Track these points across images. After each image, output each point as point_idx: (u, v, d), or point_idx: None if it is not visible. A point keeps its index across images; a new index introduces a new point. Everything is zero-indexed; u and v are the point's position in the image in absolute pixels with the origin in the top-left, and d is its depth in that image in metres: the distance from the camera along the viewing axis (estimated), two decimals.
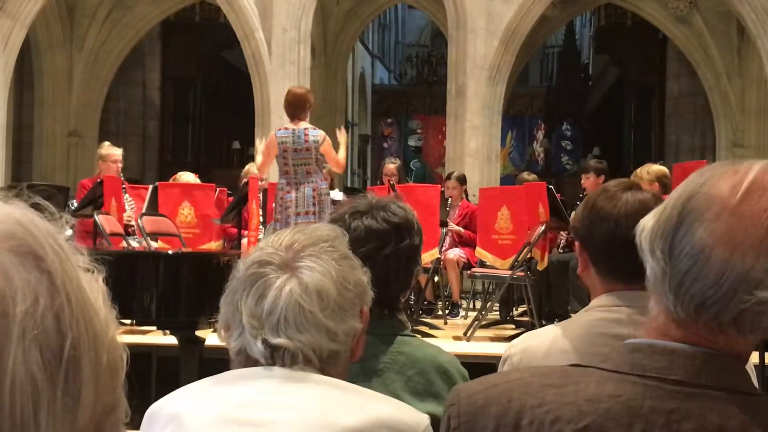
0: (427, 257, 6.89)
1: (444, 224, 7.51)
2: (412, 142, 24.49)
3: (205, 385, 1.39)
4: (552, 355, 1.80)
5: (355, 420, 1.29)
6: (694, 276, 0.93)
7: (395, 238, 1.95)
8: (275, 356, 1.33)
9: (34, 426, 0.52)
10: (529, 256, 6.49)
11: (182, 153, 17.75)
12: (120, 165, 7.77)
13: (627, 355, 0.99)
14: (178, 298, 4.41)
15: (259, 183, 7.36)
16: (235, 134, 17.77)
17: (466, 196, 8.39)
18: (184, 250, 6.29)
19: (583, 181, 7.43)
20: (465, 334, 6.26)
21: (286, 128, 6.64)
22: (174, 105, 17.67)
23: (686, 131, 16.07)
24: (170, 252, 5.54)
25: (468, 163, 11.35)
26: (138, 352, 5.01)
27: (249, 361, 1.36)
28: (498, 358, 1.96)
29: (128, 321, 5.43)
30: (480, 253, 7.41)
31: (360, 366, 1.68)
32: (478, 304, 7.83)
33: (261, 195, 7.54)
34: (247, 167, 8.10)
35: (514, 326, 7.01)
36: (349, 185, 17.36)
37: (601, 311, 1.84)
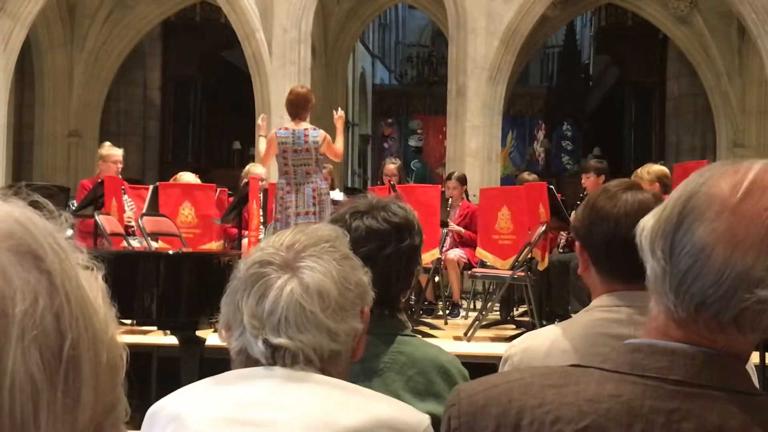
0: (428, 257, 6.89)
1: (444, 224, 7.51)
2: (412, 143, 24.49)
3: (205, 385, 1.39)
4: (552, 355, 1.80)
5: (356, 420, 1.29)
6: (694, 275, 0.93)
7: (396, 238, 1.95)
8: (276, 356, 1.33)
9: (34, 426, 0.52)
10: (529, 256, 6.49)
11: (183, 153, 17.75)
12: (120, 165, 7.77)
13: (627, 355, 0.99)
14: (179, 298, 4.41)
15: (260, 183, 7.36)
16: (235, 134, 17.77)
17: (467, 196, 8.39)
18: (184, 250, 6.29)
19: (583, 181, 7.43)
20: (465, 334, 6.26)
21: (286, 128, 6.64)
22: (174, 105, 17.67)
23: (687, 131, 16.06)
24: (171, 252, 5.55)
25: (468, 163, 11.35)
26: (138, 352, 5.02)
27: (250, 361, 1.36)
28: (498, 358, 1.96)
29: (129, 321, 5.43)
30: (480, 253, 7.41)
31: (360, 366, 1.68)
32: (479, 305, 7.83)
33: (261, 195, 7.55)
34: (247, 167, 8.10)
35: (514, 326, 7.01)
36: (349, 185, 17.36)
37: (602, 311, 1.84)
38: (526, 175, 9.11)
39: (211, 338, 4.49)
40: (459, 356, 2.11)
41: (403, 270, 1.98)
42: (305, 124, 6.60)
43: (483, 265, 7.51)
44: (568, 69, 23.24)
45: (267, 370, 1.34)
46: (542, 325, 4.99)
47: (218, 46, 16.68)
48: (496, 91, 11.81)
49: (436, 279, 7.95)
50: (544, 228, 6.26)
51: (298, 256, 1.35)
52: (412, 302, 7.17)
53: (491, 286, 7.84)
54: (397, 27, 27.35)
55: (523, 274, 6.45)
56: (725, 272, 0.91)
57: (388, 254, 1.93)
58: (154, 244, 6.83)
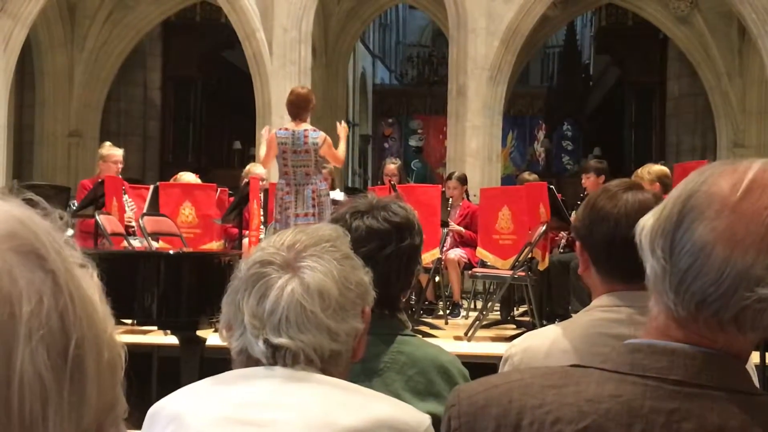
0: (428, 257, 6.89)
1: (445, 224, 7.51)
2: (413, 142, 24.49)
3: (206, 385, 1.39)
4: (553, 355, 1.80)
5: (356, 420, 1.29)
6: (694, 274, 0.93)
7: (396, 238, 1.95)
8: (277, 356, 1.33)
9: (43, 426, 0.52)
10: (530, 256, 6.49)
11: (183, 153, 17.75)
12: (120, 165, 7.77)
13: (627, 355, 0.99)
14: (179, 298, 4.41)
15: (260, 183, 7.36)
16: (235, 134, 17.78)
17: (467, 196, 8.39)
18: (185, 250, 6.29)
19: (583, 181, 7.43)
20: (466, 334, 6.26)
21: (286, 129, 6.64)
22: (175, 105, 17.67)
23: (687, 131, 16.06)
24: (171, 252, 5.55)
25: (469, 163, 11.35)
26: (139, 352, 5.03)
27: (250, 361, 1.36)
28: (499, 358, 1.96)
29: (129, 321, 5.43)
30: (481, 253, 7.41)
31: (361, 366, 1.68)
32: (479, 304, 7.83)
33: (262, 195, 7.55)
34: (248, 167, 8.11)
35: (514, 326, 7.01)
36: (349, 185, 17.36)
37: (602, 311, 1.84)
38: (526, 175, 9.11)
39: (212, 338, 4.49)
40: (459, 356, 2.11)
41: (404, 270, 1.98)
42: (305, 125, 6.60)
43: (483, 265, 7.51)
44: (568, 69, 23.25)
45: (267, 370, 1.34)
46: (542, 325, 5.00)
47: (219, 46, 16.68)
48: (497, 91, 11.81)
49: (437, 279, 7.95)
50: (544, 228, 6.26)
51: (299, 256, 1.36)
52: (413, 302, 7.17)
53: (492, 286, 7.84)
54: (398, 27, 27.35)
55: (523, 274, 6.45)
56: (725, 271, 0.91)
57: (388, 254, 1.93)
58: (155, 244, 6.83)
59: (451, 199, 8.05)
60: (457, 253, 7.78)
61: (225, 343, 1.41)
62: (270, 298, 1.32)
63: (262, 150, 6.93)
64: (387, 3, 17.51)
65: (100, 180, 7.36)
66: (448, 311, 7.73)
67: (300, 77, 11.53)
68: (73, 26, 14.90)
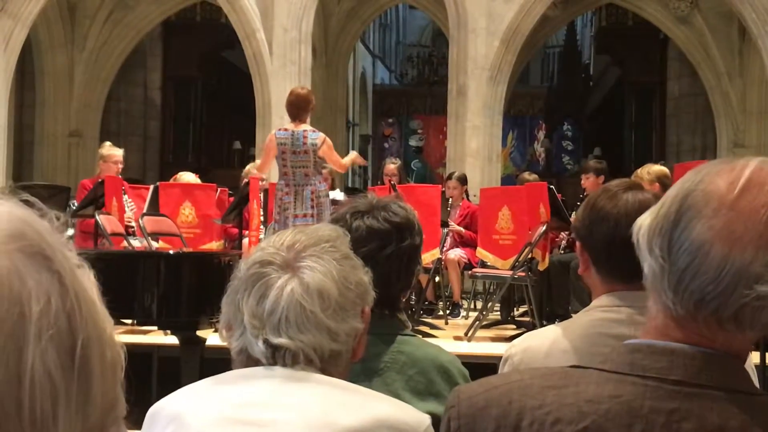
0: (428, 257, 6.89)
1: (445, 224, 7.51)
2: (413, 142, 24.48)
3: (206, 385, 1.39)
4: (553, 355, 1.80)
5: (356, 420, 1.29)
6: (693, 272, 0.93)
7: (396, 238, 1.95)
8: (276, 356, 1.34)
9: (53, 424, 0.53)
10: (530, 256, 6.49)
11: (183, 153, 17.76)
12: (121, 165, 7.77)
13: (626, 355, 0.99)
14: (179, 298, 4.41)
15: (260, 183, 7.36)
16: (236, 134, 17.78)
17: (467, 196, 8.39)
18: (185, 250, 6.29)
19: (583, 182, 7.43)
20: (466, 334, 6.26)
21: (285, 129, 6.64)
22: (175, 105, 17.68)
23: (687, 131, 16.07)
24: (171, 252, 5.55)
25: (469, 163, 11.35)
26: (139, 352, 5.03)
27: (250, 361, 1.36)
28: (499, 358, 1.96)
29: (129, 321, 5.43)
30: (481, 253, 7.41)
31: (361, 366, 1.68)
32: (479, 305, 7.83)
33: (262, 195, 7.55)
34: (247, 167, 8.11)
35: (514, 326, 7.01)
36: (349, 185, 17.36)
37: (602, 311, 1.84)
38: (526, 175, 9.11)
39: (212, 338, 4.49)
40: (459, 356, 2.11)
41: (404, 270, 1.98)
42: (305, 126, 6.60)
43: (483, 265, 7.51)
44: (568, 69, 23.25)
45: (267, 370, 1.34)
46: (542, 325, 5.00)
47: (219, 46, 16.69)
48: (497, 91, 11.81)
49: (437, 279, 7.95)
50: (544, 228, 6.26)
51: (299, 256, 1.36)
52: (413, 302, 7.17)
53: (492, 286, 7.84)
54: (398, 27, 27.35)
55: (523, 274, 6.45)
56: (724, 269, 0.91)
57: (388, 254, 1.93)
58: (155, 244, 6.83)
59: (451, 199, 8.05)
60: (457, 253, 7.78)
61: (225, 343, 1.41)
62: (270, 298, 1.32)
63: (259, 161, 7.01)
64: (387, 3, 17.51)
65: (100, 180, 7.35)
66: (448, 311, 7.73)
67: (300, 77, 11.54)
68: (73, 26, 14.90)
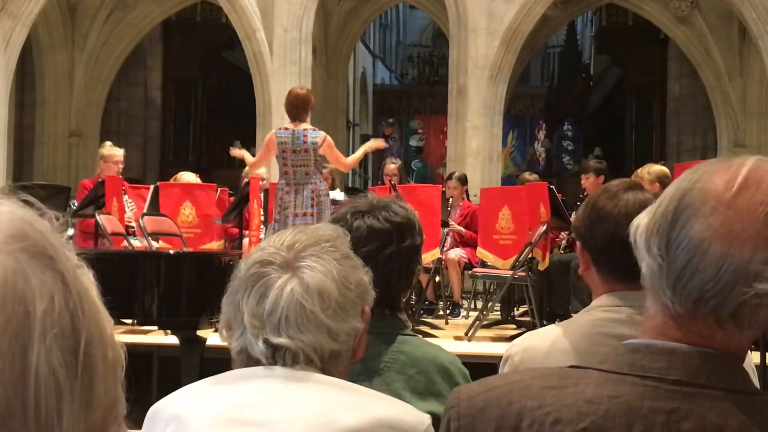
0: (429, 257, 6.89)
1: (445, 224, 7.51)
2: (413, 142, 24.48)
3: (206, 385, 1.39)
4: (553, 354, 1.80)
5: (357, 420, 1.29)
6: (692, 270, 0.93)
7: (397, 238, 1.95)
8: (276, 356, 1.34)
9: (58, 422, 0.53)
10: (530, 256, 6.49)
11: (183, 153, 17.76)
12: (121, 166, 7.77)
13: (626, 355, 0.99)
14: (180, 297, 4.41)
15: (260, 183, 7.36)
16: (236, 134, 17.74)
17: (467, 196, 8.39)
18: (185, 249, 6.29)
19: (582, 182, 7.43)
20: (466, 334, 6.26)
21: (286, 128, 6.64)
22: (175, 105, 17.68)
23: (688, 131, 16.07)
24: (172, 252, 5.55)
25: (469, 163, 11.35)
26: (139, 352, 5.03)
27: (250, 361, 1.36)
28: (499, 358, 1.96)
29: (129, 321, 5.43)
30: (481, 253, 7.41)
31: (361, 365, 1.68)
32: (480, 304, 7.83)
33: (262, 195, 7.55)
34: (247, 167, 8.10)
35: (515, 326, 7.00)
36: (350, 185, 17.36)
37: (602, 311, 1.83)
38: (527, 175, 9.11)
39: (212, 338, 4.49)
40: (460, 356, 2.11)
41: (404, 270, 1.98)
42: (305, 125, 6.60)
43: (484, 264, 7.51)
44: (568, 69, 23.26)
45: (267, 369, 1.34)
46: (543, 325, 4.99)
47: (219, 45, 16.70)
48: (497, 91, 11.82)
49: (437, 279, 7.95)
50: (544, 228, 6.26)
51: (299, 256, 1.36)
52: (413, 302, 7.17)
53: (492, 286, 7.84)
54: (398, 27, 27.36)
55: (523, 274, 6.45)
56: (723, 267, 0.91)
57: (389, 254, 1.93)
58: (155, 244, 6.83)
59: (451, 199, 8.05)
60: (457, 253, 7.78)
61: (225, 343, 1.42)
62: (270, 297, 1.33)
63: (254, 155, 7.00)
64: (387, 3, 17.52)
65: (100, 180, 7.35)
66: (448, 311, 7.73)
67: (300, 77, 11.54)
68: (73, 26, 14.90)
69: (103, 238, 6.70)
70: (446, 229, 7.59)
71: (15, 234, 0.55)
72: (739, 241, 0.92)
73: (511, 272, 6.50)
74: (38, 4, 11.82)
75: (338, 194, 8.19)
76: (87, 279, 0.59)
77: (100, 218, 6.66)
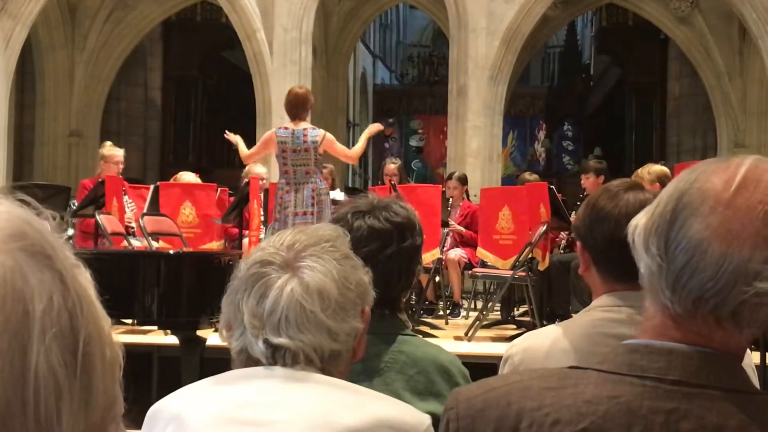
0: (429, 257, 6.89)
1: (445, 224, 7.51)
2: (413, 142, 24.48)
3: (206, 385, 1.39)
4: (553, 355, 1.80)
5: (357, 420, 1.29)
6: (691, 270, 0.93)
7: (397, 238, 1.95)
8: (276, 356, 1.34)
9: (57, 421, 0.53)
10: (530, 256, 6.49)
11: (183, 153, 17.76)
12: (122, 166, 7.77)
13: (625, 356, 0.99)
14: (180, 297, 4.41)
15: (260, 183, 7.36)
16: (236, 134, 17.74)
17: (468, 196, 8.39)
18: (185, 249, 6.29)
19: (582, 182, 7.43)
20: (466, 334, 6.26)
21: (286, 128, 6.64)
22: (175, 105, 17.68)
23: (688, 131, 16.07)
24: (171, 252, 5.54)
25: (469, 163, 11.36)
26: (139, 352, 5.03)
27: (250, 361, 1.36)
28: (499, 358, 1.95)
29: (129, 321, 5.43)
30: (481, 253, 7.41)
31: (361, 365, 1.68)
32: (480, 305, 7.83)
33: (262, 195, 7.55)
34: (247, 167, 8.10)
35: (515, 326, 7.00)
36: (350, 185, 17.36)
37: (602, 311, 1.83)
38: (527, 175, 9.11)
39: (212, 338, 4.49)
40: (460, 356, 2.11)
41: (405, 270, 1.98)
42: (305, 124, 6.60)
43: (484, 265, 7.51)
44: (568, 69, 23.26)
45: (267, 369, 1.34)
46: (543, 325, 4.99)
47: (219, 46, 16.70)
48: (497, 91, 11.82)
49: (437, 279, 7.95)
50: (544, 228, 6.26)
51: (299, 256, 1.36)
52: (413, 302, 7.17)
53: (492, 286, 7.84)
54: (398, 27, 27.36)
55: (523, 274, 6.45)
56: (722, 266, 0.91)
57: (389, 254, 1.93)
58: (155, 244, 6.83)
59: (451, 199, 8.05)
60: (457, 253, 7.78)
61: (225, 343, 1.42)
62: (269, 298, 1.32)
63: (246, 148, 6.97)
64: (387, 3, 17.52)
65: (100, 180, 7.36)
66: (448, 311, 7.73)
67: (300, 77, 11.54)
68: (73, 26, 14.90)
69: (103, 238, 6.71)
70: (446, 229, 7.58)
71: (14, 233, 0.55)
72: (738, 240, 0.92)
73: (511, 272, 6.50)
74: (38, 4, 11.82)
75: (338, 194, 8.19)
76: (85, 278, 0.59)
77: (100, 218, 6.66)
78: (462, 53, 11.76)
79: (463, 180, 8.30)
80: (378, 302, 1.48)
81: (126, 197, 7.67)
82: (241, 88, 14.50)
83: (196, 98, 17.98)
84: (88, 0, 14.83)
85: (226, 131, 7.34)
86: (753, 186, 0.93)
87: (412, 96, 24.25)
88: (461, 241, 7.96)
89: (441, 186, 8.05)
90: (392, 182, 7.77)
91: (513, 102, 18.27)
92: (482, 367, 2.38)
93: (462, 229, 7.91)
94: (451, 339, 6.20)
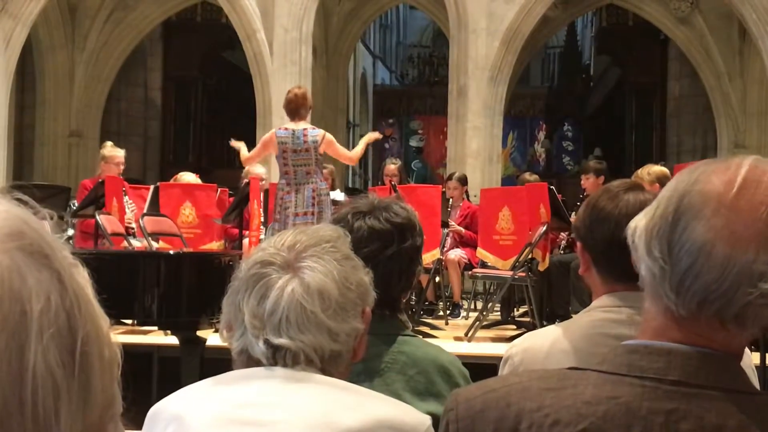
0: (429, 258, 6.89)
1: (445, 225, 7.51)
2: (413, 143, 24.47)
3: (206, 386, 1.39)
4: (553, 355, 1.80)
5: (357, 420, 1.29)
6: (695, 272, 0.93)
7: (398, 239, 1.95)
8: (277, 356, 1.34)
9: (55, 420, 0.53)
10: (530, 256, 6.49)
11: (184, 153, 17.76)
12: (122, 166, 7.77)
13: (624, 356, 0.99)
14: (180, 298, 4.40)
15: (260, 183, 7.36)
16: (236, 135, 17.67)
17: (468, 196, 8.39)
18: (185, 250, 6.29)
19: (582, 182, 7.43)
20: (466, 334, 6.26)
21: (286, 128, 6.64)
22: (175, 105, 17.68)
23: (688, 132, 16.07)
24: (172, 252, 5.54)
25: (469, 163, 11.36)
26: (139, 353, 5.03)
27: (251, 362, 1.36)
28: (499, 358, 1.95)
29: (129, 321, 5.43)
30: (481, 253, 7.41)
31: (361, 366, 1.68)
32: (480, 305, 7.83)
33: (262, 195, 7.54)
34: (247, 167, 8.10)
35: (515, 327, 7.00)
36: (350, 186, 17.36)
37: (602, 312, 1.83)
38: (527, 176, 9.11)
39: (212, 338, 4.49)
40: (460, 356, 2.11)
41: (405, 270, 1.98)
42: (304, 124, 6.61)
43: (484, 265, 7.51)
44: (569, 70, 23.26)
45: (268, 370, 1.34)
46: (543, 326, 4.99)
47: (219, 46, 16.70)
48: (497, 91, 11.82)
49: (437, 279, 7.94)
50: (544, 228, 6.26)
51: (299, 257, 1.36)
52: (413, 302, 7.17)
53: (492, 287, 7.84)
54: (398, 27, 27.36)
55: (523, 274, 6.45)
56: (727, 268, 0.91)
57: (390, 255, 1.93)
58: (155, 244, 6.83)
59: (451, 200, 8.05)
60: (457, 254, 7.78)
61: (225, 344, 1.42)
62: (270, 298, 1.33)
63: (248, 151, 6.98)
64: (388, 3, 17.53)
65: (100, 180, 7.35)
66: (448, 312, 7.73)
67: (300, 78, 11.54)
68: (73, 26, 14.90)
69: (103, 238, 6.70)
70: (446, 230, 7.58)
71: (11, 233, 0.55)
72: (742, 242, 0.92)
73: (511, 273, 6.50)
74: (38, 4, 11.82)
75: (338, 195, 8.18)
76: (82, 278, 0.59)
77: (100, 218, 6.66)
78: (462, 54, 11.76)
79: (463, 180, 8.30)
80: (378, 303, 1.48)
81: (126, 198, 7.67)
82: (241, 89, 14.50)
83: (196, 98, 17.98)
84: (88, 0, 14.83)
85: (232, 139, 7.35)
86: (754, 187, 0.93)
87: (412, 96, 24.25)
88: (461, 242, 7.96)
89: (441, 186, 8.05)
90: (392, 183, 7.77)
91: (513, 102, 18.26)
92: (482, 368, 2.38)
93: (462, 229, 7.91)
94: (451, 339, 6.20)
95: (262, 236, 6.97)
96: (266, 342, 1.33)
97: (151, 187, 7.86)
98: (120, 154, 7.78)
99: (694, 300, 0.94)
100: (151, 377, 4.80)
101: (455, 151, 11.80)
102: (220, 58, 17.45)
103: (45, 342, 0.53)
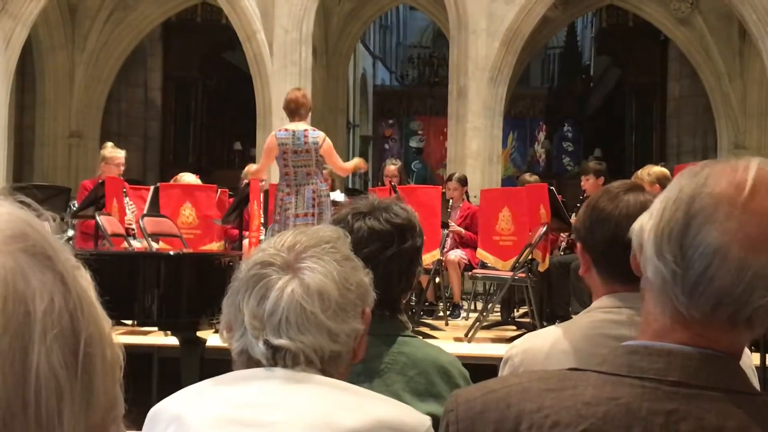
0: (429, 258, 6.88)
1: (445, 225, 7.51)
2: (413, 143, 24.47)
3: (206, 386, 1.39)
4: (553, 356, 1.80)
5: (357, 421, 1.29)
6: (709, 276, 0.93)
7: (398, 240, 1.95)
8: (277, 357, 1.34)
9: (58, 421, 0.53)
10: (530, 257, 6.49)
11: (184, 154, 17.77)
12: (123, 167, 7.77)
13: (624, 357, 0.99)
14: (180, 298, 4.40)
15: (260, 184, 7.36)
16: (236, 135, 17.78)
17: (468, 197, 8.39)
18: (185, 250, 6.29)
19: (582, 183, 7.43)
20: (466, 335, 6.26)
21: (286, 129, 6.64)
22: (175, 106, 17.68)
23: (688, 132, 16.07)
24: (171, 253, 5.54)
25: (469, 164, 11.36)
26: (139, 353, 5.03)
27: (251, 362, 1.36)
28: (499, 359, 1.96)
29: (129, 322, 5.42)
30: (481, 254, 7.41)
31: (361, 366, 1.68)
32: (480, 306, 7.83)
33: (262, 196, 7.54)
34: (247, 168, 8.10)
35: (515, 327, 7.00)
36: (350, 186, 17.36)
37: (603, 312, 1.83)
38: (527, 176, 9.11)
39: (212, 339, 4.49)
40: (460, 357, 2.11)
41: (405, 271, 1.98)
42: (305, 125, 6.61)
43: (484, 266, 7.50)
44: (569, 70, 23.26)
45: (268, 371, 1.34)
46: (543, 326, 4.99)
47: (219, 46, 16.71)
48: (497, 92, 11.82)
49: (437, 280, 7.94)
50: (544, 229, 6.26)
51: (299, 257, 1.36)
52: (413, 303, 7.16)
53: (492, 287, 7.84)
54: (398, 28, 27.36)
55: (523, 275, 6.45)
56: (742, 272, 0.91)
57: (390, 255, 1.93)
58: (155, 245, 6.83)
59: (451, 201, 8.05)
60: (457, 254, 7.78)
61: (225, 344, 1.42)
62: (270, 299, 1.33)
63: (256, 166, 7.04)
64: (388, 4, 17.53)
65: (100, 181, 7.35)
66: (448, 312, 7.73)
67: (300, 78, 11.54)
68: (73, 27, 14.90)
69: (104, 239, 6.70)
70: (446, 231, 7.58)
71: (15, 235, 0.55)
72: (756, 245, 0.91)
73: (511, 273, 6.50)
74: (38, 4, 11.82)
75: (338, 195, 8.19)
76: (85, 279, 0.59)
77: (100, 219, 6.66)
78: (462, 54, 11.77)
79: (463, 181, 8.30)
80: (378, 303, 1.48)
81: (126, 198, 7.66)
82: (241, 89, 14.51)
83: (197, 99, 17.99)
84: (88, 0, 14.83)
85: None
86: (765, 190, 0.93)
87: (412, 97, 24.24)
88: (461, 243, 7.95)
89: (441, 187, 8.05)
90: (392, 183, 7.77)
91: (513, 103, 18.26)
92: (482, 369, 2.38)
93: (462, 230, 7.91)
94: (451, 340, 6.20)
95: (261, 237, 6.97)
96: (266, 343, 1.33)
97: (151, 187, 7.86)
98: (120, 155, 7.78)
99: (708, 303, 0.94)
100: (151, 378, 4.80)
101: (455, 151, 11.80)
102: (220, 58, 17.46)
103: (48, 343, 0.53)
